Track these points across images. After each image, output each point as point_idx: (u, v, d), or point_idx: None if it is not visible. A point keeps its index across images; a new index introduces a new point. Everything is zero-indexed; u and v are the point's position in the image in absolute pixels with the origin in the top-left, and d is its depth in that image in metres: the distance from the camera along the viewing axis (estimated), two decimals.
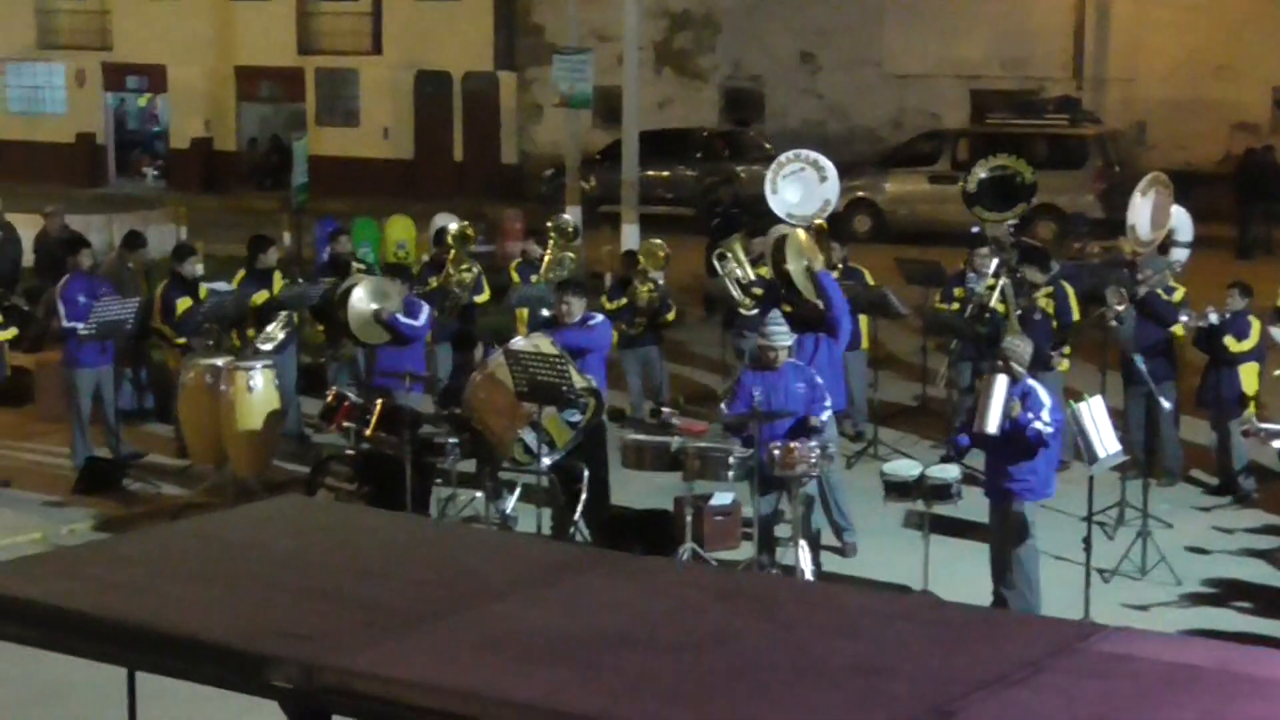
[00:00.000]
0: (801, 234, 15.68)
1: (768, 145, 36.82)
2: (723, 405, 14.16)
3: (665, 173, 35.53)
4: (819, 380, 13.37)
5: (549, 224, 19.50)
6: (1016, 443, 12.26)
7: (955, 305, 17.39)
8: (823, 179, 17.64)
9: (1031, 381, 12.48)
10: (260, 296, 17.31)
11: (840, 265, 17.48)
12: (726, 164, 35.82)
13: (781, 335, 13.34)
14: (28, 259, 22.08)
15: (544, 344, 13.75)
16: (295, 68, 44.32)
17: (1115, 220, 21.49)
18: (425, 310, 16.27)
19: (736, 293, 17.76)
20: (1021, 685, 5.96)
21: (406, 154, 43.11)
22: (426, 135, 42.94)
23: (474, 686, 5.97)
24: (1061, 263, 17.85)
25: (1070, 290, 16.52)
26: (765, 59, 39.29)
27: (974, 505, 13.43)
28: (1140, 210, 17.21)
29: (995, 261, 17.26)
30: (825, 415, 13.28)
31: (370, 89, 43.60)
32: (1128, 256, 17.71)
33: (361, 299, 15.62)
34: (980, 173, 19.27)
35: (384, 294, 15.73)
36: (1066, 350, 16.37)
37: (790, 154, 18.10)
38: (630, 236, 26.78)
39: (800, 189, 17.59)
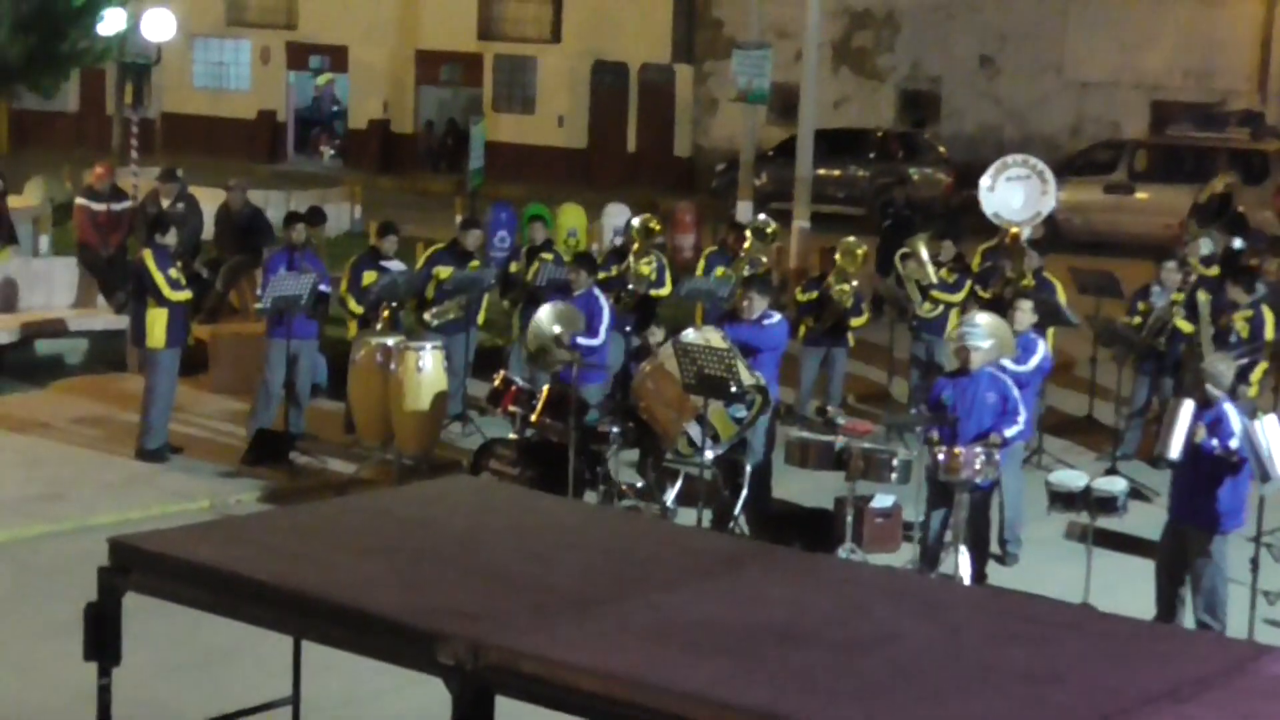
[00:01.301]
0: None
1: (942, 148, 36.61)
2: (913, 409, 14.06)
3: (838, 172, 35.38)
4: (1014, 393, 13.17)
5: (749, 223, 19.45)
6: (1201, 470, 12.00)
7: (1138, 319, 17.17)
8: (1044, 191, 17.51)
9: (1227, 406, 12.16)
10: (445, 271, 17.46)
11: (1034, 275, 17.29)
12: (900, 165, 35.59)
13: (977, 335, 13.19)
14: (208, 232, 22.44)
15: (714, 337, 13.74)
16: (475, 53, 44.68)
17: None
18: (605, 320, 16.14)
19: (916, 294, 17.63)
20: (1191, 702, 5.88)
21: (581, 143, 43.31)
22: (601, 125, 43.11)
23: (638, 673, 6.00)
24: (1268, 284, 17.50)
25: (1269, 313, 16.21)
26: (944, 61, 39.01)
27: (1139, 519, 13.24)
28: None
29: (1180, 277, 17.03)
30: (1011, 431, 13.09)
31: (548, 77, 43.85)
32: None
33: (545, 321, 15.53)
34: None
35: (569, 319, 15.59)
36: (1257, 374, 16.06)
37: (1019, 157, 18.00)
38: (801, 234, 26.70)
39: (1023, 194, 17.47)
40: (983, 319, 13.86)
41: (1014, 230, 18.42)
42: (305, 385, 17.07)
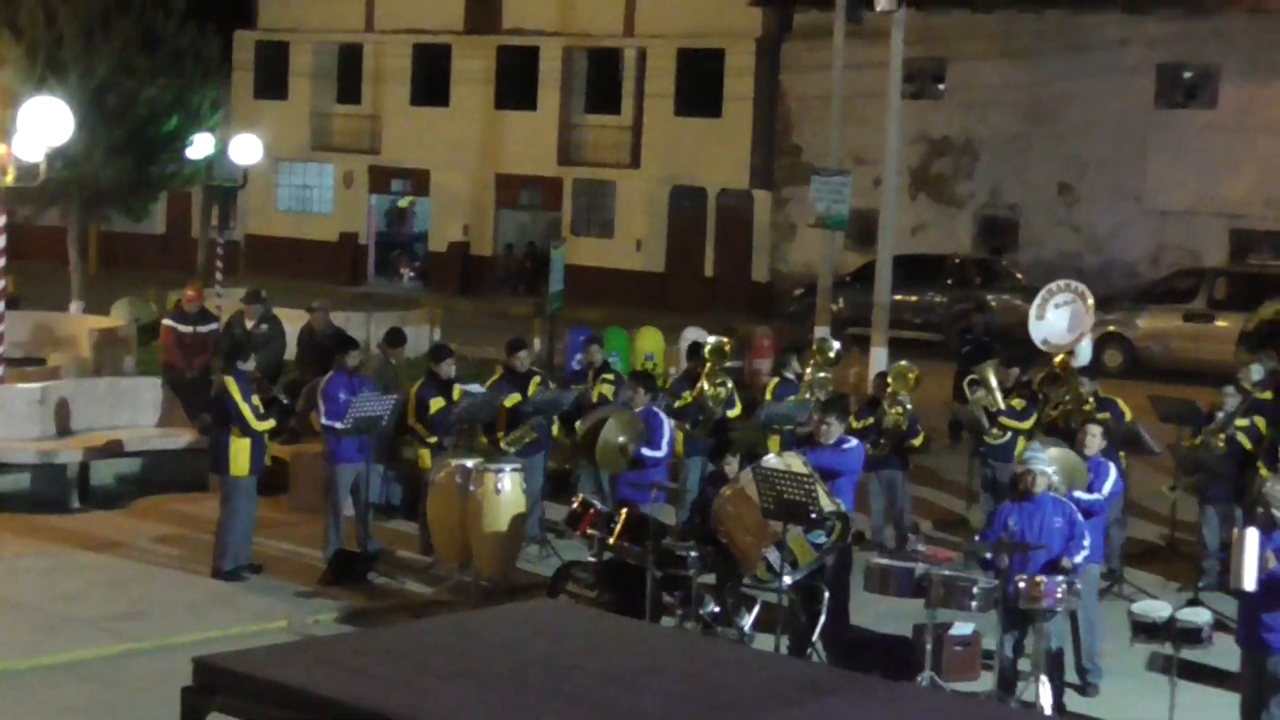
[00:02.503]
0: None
1: (1019, 275, 36.59)
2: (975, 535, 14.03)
3: (915, 297, 35.42)
4: (1079, 518, 13.13)
5: (813, 345, 19.55)
6: (1272, 594, 11.90)
7: (1199, 440, 17.14)
8: (1087, 311, 17.60)
9: None
10: (513, 399, 17.60)
11: (1091, 398, 17.27)
12: (978, 291, 35.55)
13: (1040, 460, 13.17)
14: (290, 352, 22.66)
15: (795, 463, 13.74)
16: (555, 177, 45.15)
17: None
18: (666, 435, 16.32)
19: (985, 421, 17.61)
20: None
21: (659, 267, 43.57)
22: (679, 249, 43.37)
23: None
24: None
25: None
26: (1023, 188, 39.11)
27: (1225, 651, 13.07)
28: None
29: (1236, 400, 16.99)
30: (1080, 557, 13.01)
31: (627, 201, 44.21)
32: None
33: (612, 431, 15.69)
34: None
35: (635, 428, 15.75)
36: None
37: (1061, 283, 18.07)
38: (879, 359, 26.71)
39: (1070, 318, 17.54)
40: (1050, 451, 13.85)
41: (1061, 357, 18.47)
42: (365, 505, 17.14)
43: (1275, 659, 12.09)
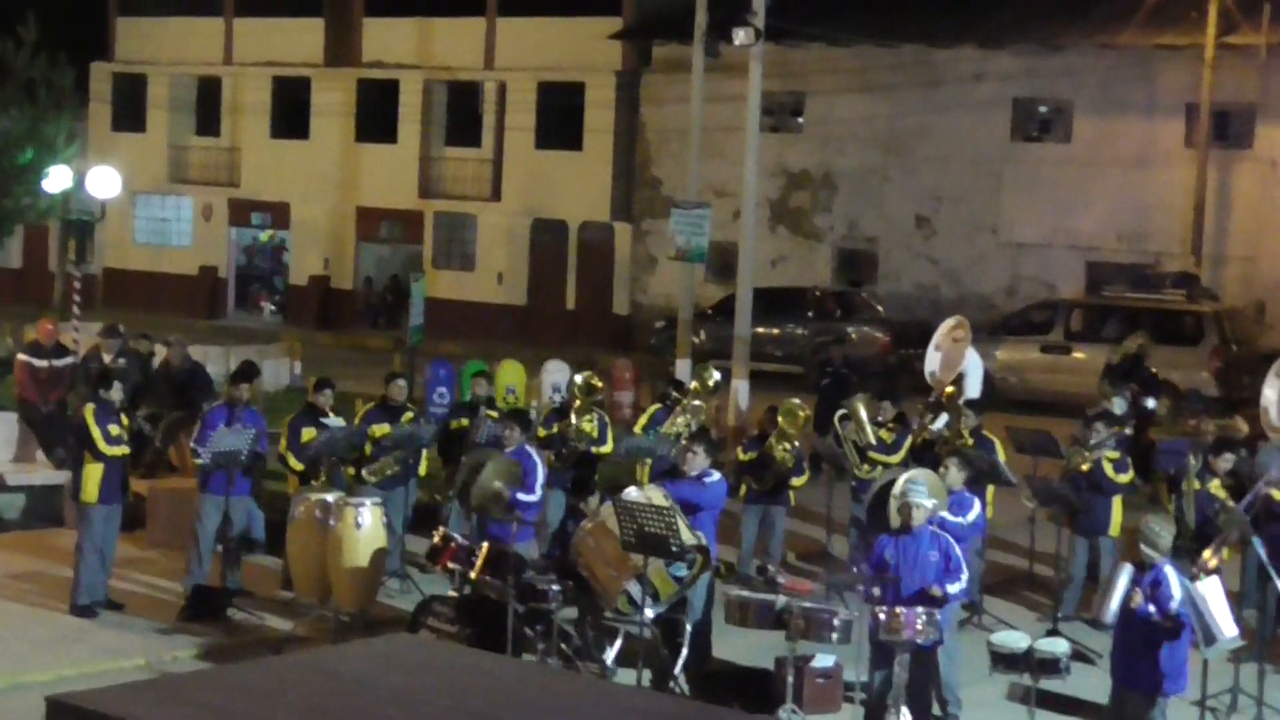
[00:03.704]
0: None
1: (879, 307, 36.94)
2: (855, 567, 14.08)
3: (776, 330, 35.61)
4: (956, 552, 13.20)
5: (693, 376, 19.54)
6: (1139, 632, 12.03)
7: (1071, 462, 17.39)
8: (959, 344, 17.91)
9: (1167, 569, 12.20)
10: (380, 429, 17.50)
11: (973, 433, 17.43)
12: (838, 324, 35.83)
13: (919, 493, 13.23)
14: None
15: (656, 495, 13.77)
16: (415, 210, 45.02)
17: (1232, 398, 21.38)
18: (539, 477, 16.19)
19: (854, 455, 17.72)
20: None
21: (520, 300, 43.54)
22: (540, 282, 43.38)
23: None
24: (1201, 445, 17.72)
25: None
26: (881, 221, 39.49)
27: (1082, 681, 13.25)
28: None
29: (1108, 432, 17.20)
30: (954, 588, 13.08)
31: (487, 234, 44.16)
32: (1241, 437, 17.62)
33: (489, 476, 15.57)
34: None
35: (512, 476, 15.65)
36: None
37: (958, 319, 18.47)
38: (740, 393, 26.83)
39: (952, 354, 17.90)
40: (924, 476, 13.92)
41: (949, 389, 18.63)
42: (239, 541, 16.99)
43: (1141, 698, 12.20)
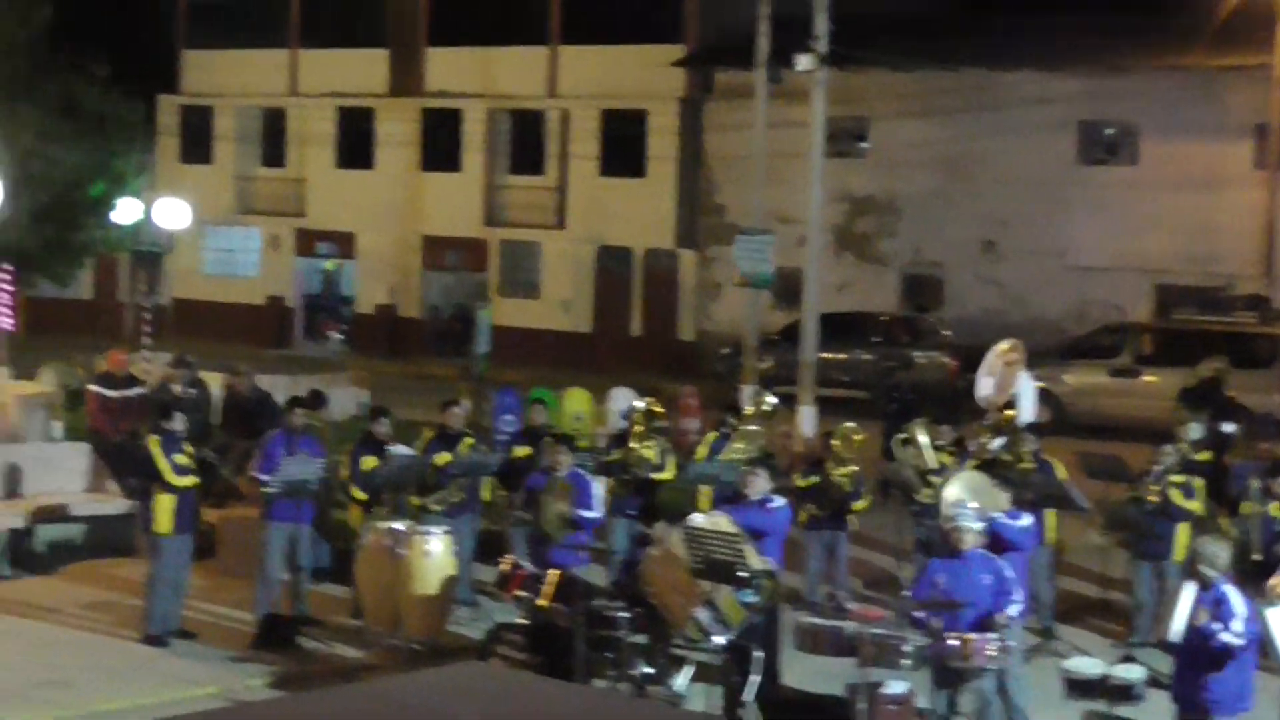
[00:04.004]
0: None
1: (946, 332, 36.80)
2: (906, 591, 14.04)
3: (842, 355, 35.48)
4: (1009, 574, 13.15)
5: (750, 401, 19.54)
6: (1203, 652, 11.94)
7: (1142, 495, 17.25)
8: (1011, 368, 17.81)
9: (1227, 588, 12.12)
10: (444, 458, 17.56)
11: (1033, 457, 17.36)
12: (904, 349, 35.74)
13: (967, 516, 13.19)
14: (217, 416, 22.55)
15: (723, 522, 13.78)
16: (480, 239, 45.15)
17: None
18: (594, 494, 16.30)
19: (916, 479, 17.66)
20: None
21: (585, 327, 43.60)
22: (605, 309, 43.42)
23: None
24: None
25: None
26: (946, 246, 39.36)
27: (1158, 708, 13.12)
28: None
29: (1172, 459, 17.10)
30: (1012, 610, 13.02)
31: (552, 261, 44.25)
32: None
33: (549, 499, 15.65)
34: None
35: (570, 496, 15.78)
36: None
37: (1011, 342, 18.38)
38: (807, 418, 26.80)
39: (1007, 378, 17.78)
40: (967, 478, 13.89)
41: (1008, 413, 18.56)
42: (306, 568, 17.06)
43: (1205, 716, 12.11)
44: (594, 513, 16.14)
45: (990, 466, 17.60)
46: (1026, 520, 14.67)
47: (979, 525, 13.26)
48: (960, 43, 38.61)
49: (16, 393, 25.07)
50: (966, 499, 14.59)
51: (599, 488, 16.71)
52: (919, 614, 13.10)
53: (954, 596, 12.85)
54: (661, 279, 42.81)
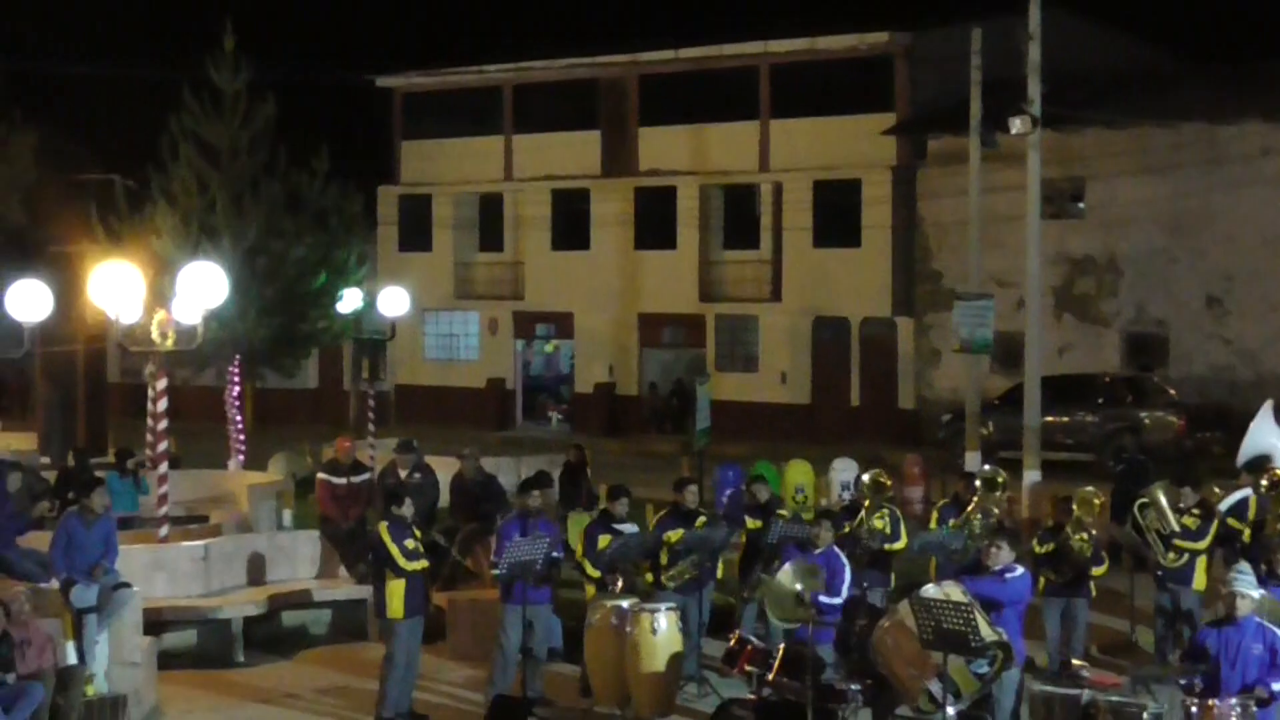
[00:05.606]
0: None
1: (1172, 391, 36.11)
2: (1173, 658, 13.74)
3: (1066, 418, 34.97)
4: None
5: (979, 473, 19.33)
6: None
7: None
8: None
9: None
10: (675, 535, 17.58)
11: None
12: (1130, 410, 35.17)
13: (1245, 582, 12.87)
14: (444, 499, 22.87)
15: (954, 592, 13.63)
16: (696, 314, 45.36)
17: None
18: (846, 579, 16.03)
19: (1159, 544, 17.31)
20: None
21: (804, 398, 43.52)
22: (824, 380, 43.34)
23: None
24: None
25: None
26: (1170, 304, 38.71)
27: None
28: None
29: None
30: (1278, 686, 12.66)
31: (769, 334, 44.30)
32: None
33: (787, 579, 15.50)
34: None
35: (811, 575, 15.53)
36: None
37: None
38: (1032, 482, 26.47)
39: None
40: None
41: (1278, 471, 18.13)
42: (541, 649, 17.17)
43: None
44: (837, 599, 15.82)
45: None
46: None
47: (1256, 593, 12.94)
48: (1177, 98, 38.07)
49: (248, 483, 25.70)
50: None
51: (850, 572, 16.33)
52: (1182, 681, 12.78)
53: (1223, 663, 12.52)
54: (879, 347, 42.64)
